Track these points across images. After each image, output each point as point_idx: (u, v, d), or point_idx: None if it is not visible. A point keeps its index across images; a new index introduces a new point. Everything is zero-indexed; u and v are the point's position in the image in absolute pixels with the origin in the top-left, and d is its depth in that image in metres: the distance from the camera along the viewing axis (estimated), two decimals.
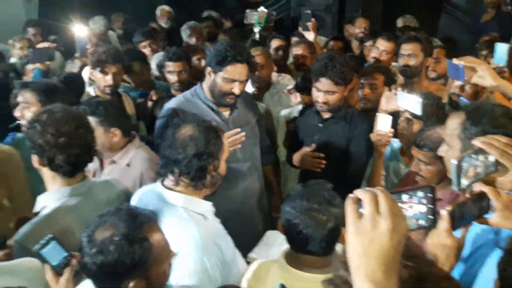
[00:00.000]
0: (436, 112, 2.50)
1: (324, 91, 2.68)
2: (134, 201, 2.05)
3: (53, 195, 1.88)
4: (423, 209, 0.98)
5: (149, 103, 3.45)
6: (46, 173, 1.88)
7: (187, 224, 1.81)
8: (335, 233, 1.69)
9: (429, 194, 0.98)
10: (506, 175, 1.15)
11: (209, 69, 2.59)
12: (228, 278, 1.85)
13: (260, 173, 2.92)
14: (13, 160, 2.58)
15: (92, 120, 2.35)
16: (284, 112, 3.50)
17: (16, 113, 2.70)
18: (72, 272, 1.53)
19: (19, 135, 2.83)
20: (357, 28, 5.23)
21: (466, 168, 1.11)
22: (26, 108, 2.60)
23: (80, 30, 3.61)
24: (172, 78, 3.45)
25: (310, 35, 3.86)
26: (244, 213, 2.70)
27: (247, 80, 2.70)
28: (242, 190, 2.68)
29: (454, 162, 1.04)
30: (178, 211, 1.85)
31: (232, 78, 2.53)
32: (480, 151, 1.14)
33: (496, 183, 1.17)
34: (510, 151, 1.14)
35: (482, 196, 1.19)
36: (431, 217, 0.99)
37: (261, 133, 2.92)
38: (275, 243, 2.44)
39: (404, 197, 0.96)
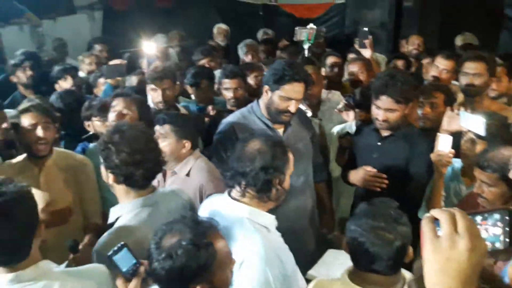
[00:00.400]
0: (501, 133, 2.45)
1: (384, 109, 2.68)
2: (201, 210, 2.13)
3: (126, 207, 1.97)
4: (499, 231, 0.96)
5: (206, 119, 3.57)
6: (120, 189, 1.97)
7: (252, 235, 1.86)
8: (402, 252, 1.69)
9: (506, 217, 0.96)
10: None
11: (266, 87, 2.66)
12: None
13: (313, 190, 2.94)
14: (87, 168, 2.77)
15: (168, 128, 2.51)
16: (337, 128, 3.52)
17: (86, 125, 2.88)
18: (140, 280, 1.60)
19: (91, 145, 3.02)
20: (411, 45, 5.18)
21: None
22: (122, 115, 2.77)
23: (149, 47, 3.79)
24: (228, 94, 3.58)
25: (366, 52, 3.87)
26: (296, 230, 2.71)
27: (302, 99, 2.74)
28: (295, 207, 2.71)
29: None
30: (244, 222, 1.90)
31: (289, 96, 2.59)
32: None
33: None
34: None
35: None
36: (508, 240, 0.96)
37: (315, 150, 2.94)
38: (335, 262, 2.45)
39: (479, 218, 0.96)
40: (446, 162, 2.50)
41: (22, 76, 4.19)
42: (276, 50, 5.48)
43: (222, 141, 2.74)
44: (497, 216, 0.96)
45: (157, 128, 2.55)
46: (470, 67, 3.29)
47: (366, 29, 3.77)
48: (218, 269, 1.50)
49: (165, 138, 2.53)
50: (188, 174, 2.58)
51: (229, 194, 1.99)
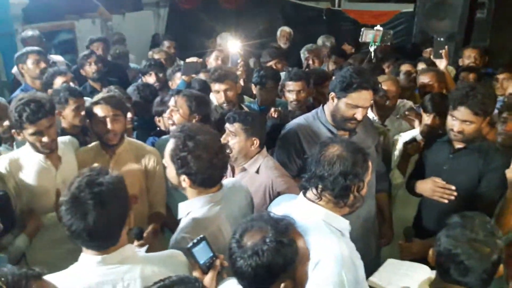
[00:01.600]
0: None
1: (461, 120, 2.61)
2: (274, 207, 2.14)
3: (196, 203, 2.01)
4: None
5: (268, 120, 3.59)
6: (193, 191, 2.01)
7: (328, 237, 1.85)
8: (497, 266, 1.65)
9: None
10: None
11: (332, 94, 2.65)
12: None
13: (374, 200, 2.91)
14: (156, 159, 2.86)
15: (238, 126, 2.57)
16: (402, 135, 3.44)
17: (162, 117, 2.98)
18: (216, 272, 1.64)
19: (162, 138, 3.11)
20: (466, 58, 4.99)
21: None
22: (175, 111, 2.89)
23: (234, 46, 3.86)
24: (291, 96, 3.62)
25: (442, 63, 3.77)
26: (357, 237, 2.67)
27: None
28: (357, 214, 2.66)
29: None
30: (319, 223, 1.90)
31: (356, 104, 2.57)
32: None
33: None
34: None
35: None
36: None
37: (378, 159, 2.91)
38: (397, 272, 2.41)
39: None
40: None
41: (89, 70, 4.39)
42: (346, 60, 5.45)
43: (285, 145, 2.77)
44: None
45: (228, 126, 2.61)
46: None
47: (442, 39, 3.66)
48: (299, 265, 1.51)
49: (235, 136, 2.59)
50: (257, 171, 2.62)
51: (304, 195, 2.00)
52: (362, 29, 4.18)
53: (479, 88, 2.62)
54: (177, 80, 3.89)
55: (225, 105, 3.39)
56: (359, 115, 2.58)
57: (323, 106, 2.79)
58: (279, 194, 2.48)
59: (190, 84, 3.54)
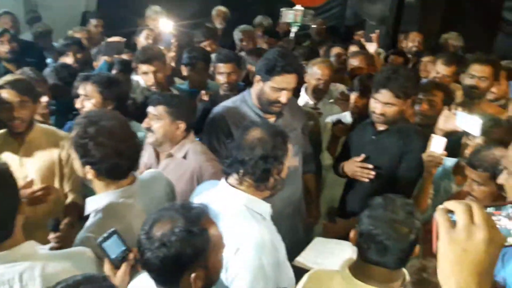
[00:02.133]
0: (494, 134, 2.44)
1: (383, 103, 2.67)
2: (197, 194, 2.12)
3: (105, 199, 1.86)
4: (511, 225, 0.94)
5: (198, 104, 3.52)
6: (100, 183, 1.86)
7: (248, 222, 1.85)
8: (413, 247, 1.69)
9: None
10: None
11: (258, 77, 2.62)
12: (280, 279, 1.87)
13: (300, 181, 2.94)
14: (68, 146, 2.69)
15: (162, 108, 2.46)
16: (331, 118, 3.51)
17: (77, 104, 2.82)
18: (129, 266, 1.57)
19: None
20: (410, 42, 5.17)
21: None
22: (86, 99, 2.73)
23: (165, 25, 3.68)
24: (222, 79, 3.54)
25: (372, 46, 3.85)
26: (283, 218, 2.68)
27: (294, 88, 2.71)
28: (282, 196, 2.69)
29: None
30: (240, 208, 1.89)
31: (280, 87, 2.56)
32: None
33: None
34: None
35: None
36: None
37: (305, 141, 2.94)
38: (324, 250, 2.47)
39: (492, 209, 0.93)
40: (436, 163, 2.54)
41: (1, 50, 4.06)
42: (279, 40, 5.43)
43: (213, 130, 2.72)
44: (511, 209, 0.94)
45: (151, 109, 2.51)
46: (477, 69, 3.29)
47: (374, 23, 3.72)
48: (212, 254, 1.48)
49: (159, 120, 2.49)
50: (185, 157, 2.55)
51: (226, 181, 1.98)
52: (282, 9, 4.10)
53: (401, 71, 2.69)
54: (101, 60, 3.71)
55: (153, 87, 3.27)
56: (283, 98, 2.58)
57: (249, 89, 2.76)
58: (209, 179, 2.41)
59: (112, 64, 3.37)
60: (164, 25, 3.66)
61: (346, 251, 2.28)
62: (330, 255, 2.45)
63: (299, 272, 2.07)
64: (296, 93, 3.26)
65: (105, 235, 1.55)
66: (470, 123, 2.42)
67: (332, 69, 3.68)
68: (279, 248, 1.91)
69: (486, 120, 2.42)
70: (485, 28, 6.84)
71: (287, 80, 2.56)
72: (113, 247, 1.56)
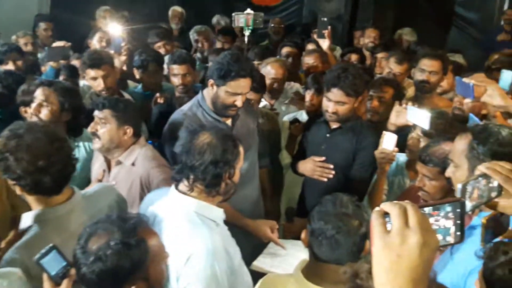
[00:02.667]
0: (449, 130, 2.50)
1: (334, 102, 2.69)
2: (145, 204, 2.06)
3: (37, 214, 1.77)
4: (450, 224, 0.93)
5: (153, 107, 3.44)
6: (31, 198, 1.78)
7: (199, 229, 1.81)
8: (364, 241, 1.67)
9: (457, 209, 0.93)
10: (509, 200, 1.18)
11: (211, 81, 2.57)
12: (235, 285, 1.85)
13: (258, 180, 2.93)
14: None
15: (107, 112, 2.38)
16: (287, 117, 3.51)
17: (25, 110, 2.71)
18: (70, 282, 1.50)
19: None
20: (366, 38, 5.24)
21: (471, 191, 1.12)
22: (44, 106, 2.61)
23: (115, 28, 3.57)
24: (176, 80, 3.47)
25: (325, 43, 3.85)
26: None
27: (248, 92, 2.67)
28: (240, 197, 2.63)
29: (459, 186, 1.03)
30: (191, 215, 1.85)
31: (235, 92, 2.53)
32: (484, 175, 1.15)
33: (498, 207, 1.20)
34: None
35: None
36: (459, 233, 0.94)
37: (258, 137, 2.92)
38: (280, 253, 2.45)
39: (429, 209, 0.91)
40: (389, 160, 2.57)
41: None
42: (234, 39, 5.40)
43: (173, 137, 2.62)
44: (448, 208, 0.93)
45: (97, 113, 2.42)
46: (428, 64, 3.35)
47: (325, 19, 3.72)
48: (152, 265, 1.44)
49: (105, 124, 2.40)
50: (133, 164, 2.47)
51: (176, 188, 1.93)
52: (233, 14, 4.07)
53: (350, 69, 2.71)
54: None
55: (104, 92, 3.16)
56: (239, 102, 2.55)
57: (202, 92, 2.70)
58: (157, 186, 2.36)
59: (59, 70, 3.26)
60: (113, 28, 3.54)
61: (302, 252, 2.28)
62: (288, 256, 2.44)
63: (259, 276, 2.04)
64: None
65: (43, 251, 1.48)
66: (419, 117, 2.46)
67: (285, 68, 3.67)
68: (233, 254, 1.88)
69: (432, 113, 2.46)
70: (439, 23, 7.01)
71: (242, 84, 2.53)
72: (53, 264, 1.49)
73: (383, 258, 0.82)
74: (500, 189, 1.16)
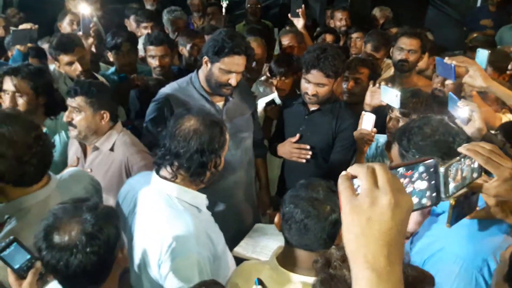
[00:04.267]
0: (425, 109, 2.48)
1: (314, 83, 2.64)
2: (124, 190, 2.01)
3: (16, 205, 1.75)
4: (424, 185, 0.87)
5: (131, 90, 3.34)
6: (10, 190, 1.74)
7: (181, 215, 1.77)
8: (336, 228, 1.62)
9: (431, 169, 0.87)
10: (490, 181, 1.18)
11: (205, 58, 2.52)
12: (218, 271, 1.82)
13: (252, 166, 2.89)
14: None
15: (81, 99, 2.29)
16: (262, 100, 3.43)
17: None
18: (36, 275, 1.46)
19: None
20: (336, 20, 5.18)
21: (454, 172, 1.10)
22: (18, 96, 2.49)
23: (84, 8, 3.41)
24: (154, 62, 3.38)
25: (299, 22, 3.78)
26: (232, 205, 2.67)
27: (244, 71, 2.62)
28: (232, 182, 2.65)
29: (442, 170, 1.00)
30: (173, 201, 1.81)
31: (229, 69, 2.47)
32: (465, 158, 1.13)
33: (481, 188, 1.19)
34: (494, 157, 1.15)
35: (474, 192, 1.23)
36: (434, 194, 0.89)
37: (255, 126, 2.88)
38: (262, 238, 2.43)
39: (403, 172, 0.85)
40: (368, 141, 2.55)
41: None
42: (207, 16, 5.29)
43: (155, 116, 2.57)
44: (422, 168, 0.87)
45: (70, 101, 2.33)
46: (406, 43, 3.33)
47: None
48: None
49: (80, 112, 2.32)
50: (112, 149, 2.41)
51: (158, 173, 1.87)
52: None
53: (329, 50, 2.66)
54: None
55: (82, 76, 3.03)
56: (233, 81, 2.49)
57: (197, 70, 2.65)
58: (138, 171, 2.29)
59: (28, 53, 3.12)
60: (83, 8, 3.39)
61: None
62: (269, 241, 2.41)
63: (242, 261, 2.02)
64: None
65: (2, 244, 1.44)
66: (391, 96, 2.44)
67: (264, 48, 3.59)
68: (216, 240, 1.84)
69: (404, 92, 2.44)
70: (416, 2, 6.99)
71: (236, 61, 2.46)
72: (15, 257, 1.44)
73: (352, 223, 0.76)
74: (480, 170, 1.15)
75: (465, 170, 1.11)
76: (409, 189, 0.85)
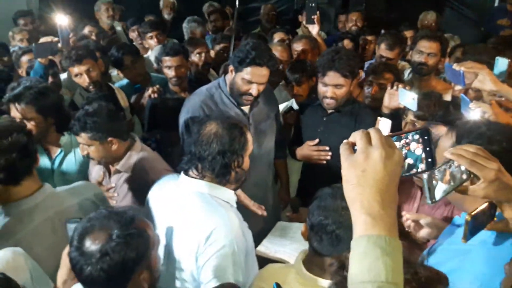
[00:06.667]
0: (437, 111, 2.42)
1: (332, 85, 2.65)
2: (153, 192, 2.06)
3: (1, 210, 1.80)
4: (419, 151, 0.97)
5: (145, 98, 3.35)
6: None
7: (217, 209, 1.84)
8: None
9: (425, 137, 0.97)
10: (477, 183, 1.17)
11: (231, 67, 2.61)
12: (248, 267, 1.86)
13: (273, 167, 2.96)
14: None
15: (84, 136, 2.30)
16: (281, 106, 3.45)
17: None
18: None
19: None
20: (350, 22, 5.14)
21: (442, 173, 1.11)
22: (28, 122, 2.46)
23: (61, 19, 3.31)
24: (170, 73, 3.39)
25: (314, 29, 3.79)
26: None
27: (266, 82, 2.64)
28: (255, 182, 2.68)
29: (425, 176, 1.03)
30: (206, 197, 1.88)
31: (250, 79, 2.53)
32: (451, 162, 1.15)
33: (468, 191, 1.19)
34: (478, 160, 1.15)
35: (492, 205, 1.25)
36: (430, 160, 0.98)
37: (277, 128, 2.92)
38: (285, 237, 2.47)
39: (399, 140, 0.96)
40: None
41: None
42: (226, 19, 5.30)
43: (189, 112, 2.62)
44: (416, 136, 0.97)
45: (77, 138, 2.36)
46: (426, 46, 3.30)
47: (313, 4, 3.65)
48: (152, 252, 1.47)
49: (89, 146, 2.34)
50: (132, 171, 2.43)
51: (186, 174, 1.94)
52: None
53: (342, 51, 2.68)
54: (24, 64, 3.51)
55: (91, 87, 3.12)
56: (254, 91, 2.55)
57: (224, 76, 2.73)
58: None
59: (49, 66, 3.16)
60: (59, 19, 3.30)
61: None
62: (292, 241, 2.42)
63: (263, 261, 2.08)
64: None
65: None
66: (408, 99, 2.43)
67: (288, 53, 3.60)
68: (247, 236, 1.89)
69: (419, 94, 2.42)
70: (433, 4, 6.92)
71: (258, 72, 2.52)
72: None
73: (350, 176, 0.89)
74: (468, 172, 1.16)
75: (455, 171, 1.14)
76: (405, 151, 0.96)
